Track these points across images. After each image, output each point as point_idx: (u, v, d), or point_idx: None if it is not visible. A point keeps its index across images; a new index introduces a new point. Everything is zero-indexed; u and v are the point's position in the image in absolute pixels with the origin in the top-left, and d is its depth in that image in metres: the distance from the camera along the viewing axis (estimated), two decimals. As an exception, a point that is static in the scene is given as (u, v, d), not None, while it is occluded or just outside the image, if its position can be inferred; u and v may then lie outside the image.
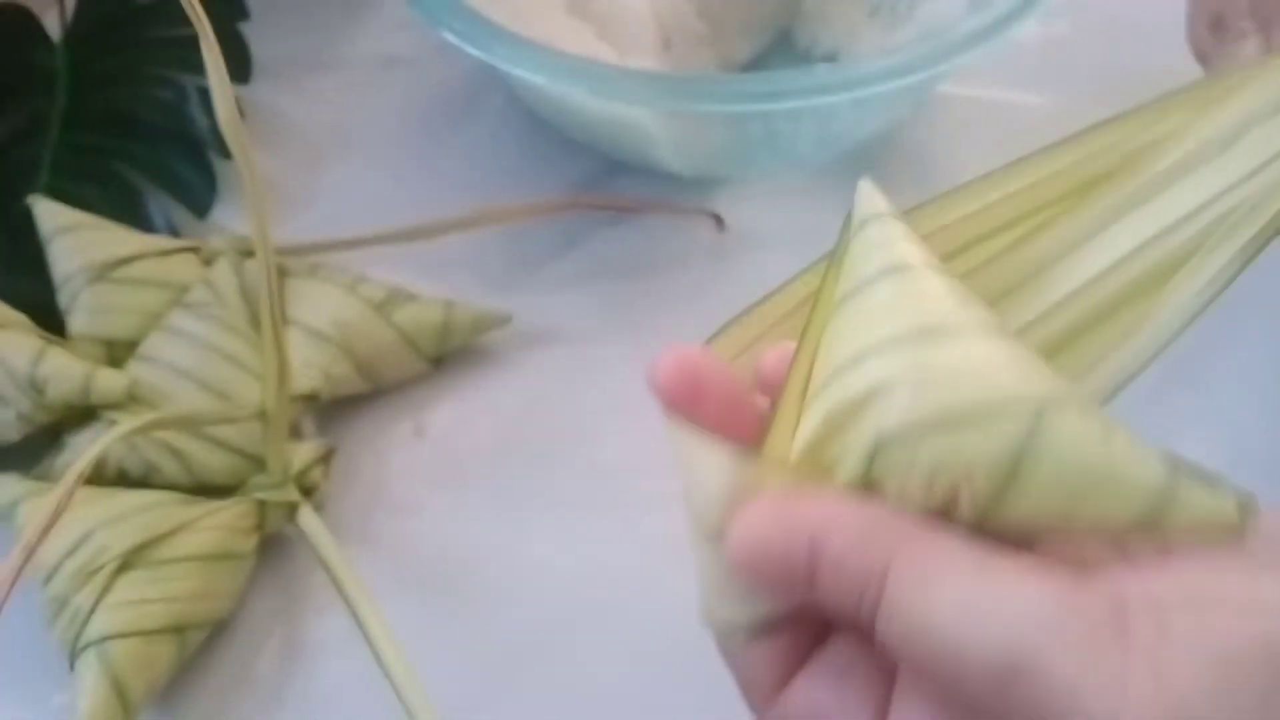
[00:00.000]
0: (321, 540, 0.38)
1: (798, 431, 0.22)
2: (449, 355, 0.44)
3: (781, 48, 0.53)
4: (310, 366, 0.41)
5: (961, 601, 0.20)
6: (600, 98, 0.43)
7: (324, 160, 0.51)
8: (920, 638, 0.20)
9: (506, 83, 0.51)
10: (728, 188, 0.49)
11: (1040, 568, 0.20)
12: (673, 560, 0.38)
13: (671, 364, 0.23)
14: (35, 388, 0.39)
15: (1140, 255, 0.24)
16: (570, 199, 0.47)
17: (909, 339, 0.21)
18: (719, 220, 0.47)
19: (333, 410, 0.42)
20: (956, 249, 0.24)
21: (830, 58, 0.52)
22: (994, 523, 0.21)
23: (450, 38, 0.43)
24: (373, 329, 0.42)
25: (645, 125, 0.46)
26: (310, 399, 0.40)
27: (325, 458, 0.40)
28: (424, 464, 0.42)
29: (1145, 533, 0.21)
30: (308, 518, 0.38)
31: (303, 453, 0.39)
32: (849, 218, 0.23)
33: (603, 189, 0.49)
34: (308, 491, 0.39)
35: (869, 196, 0.23)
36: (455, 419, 0.43)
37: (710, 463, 0.22)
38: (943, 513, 0.21)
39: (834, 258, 0.23)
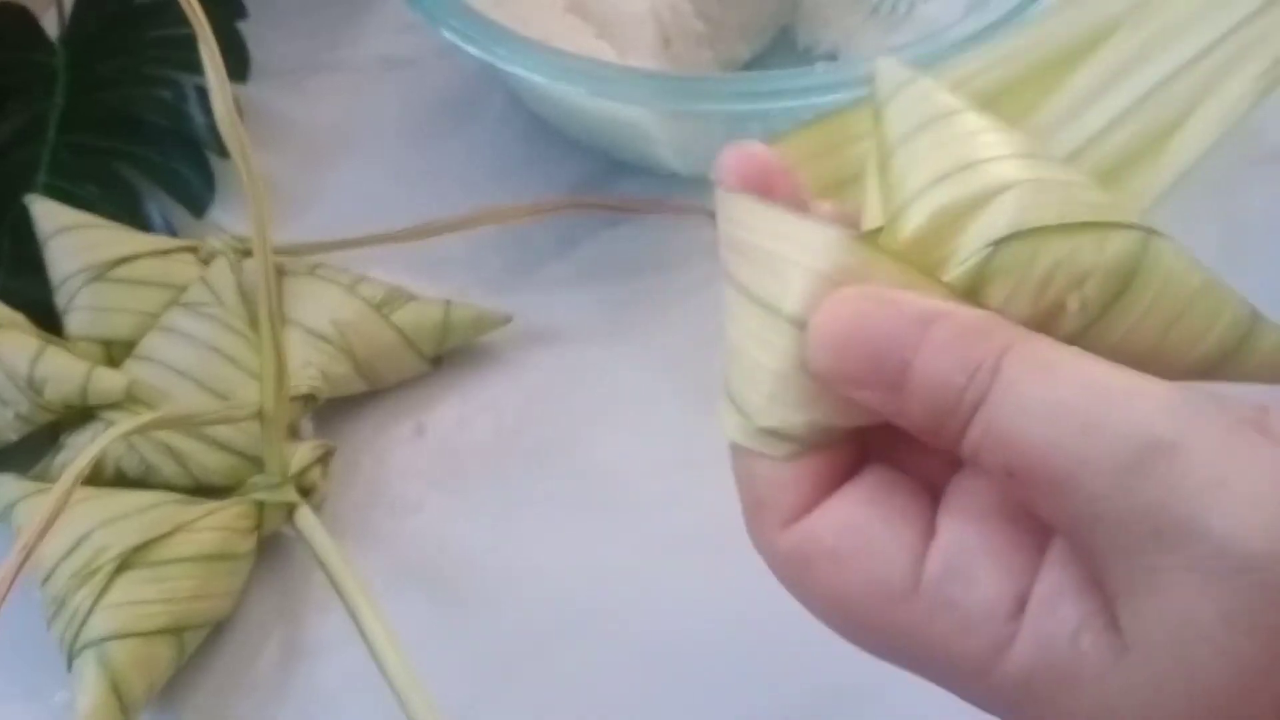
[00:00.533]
0: (319, 541, 0.38)
1: (898, 228, 0.22)
2: (449, 355, 0.44)
3: (781, 47, 0.53)
4: (309, 366, 0.41)
5: (1096, 382, 0.19)
6: (600, 97, 0.43)
7: (324, 160, 0.51)
8: (1044, 419, 0.19)
9: (506, 83, 0.51)
10: (727, 187, 0.49)
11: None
12: (672, 560, 0.38)
13: (741, 155, 0.23)
14: (34, 388, 0.39)
15: (1152, 100, 0.24)
16: (570, 199, 0.47)
17: (1013, 156, 0.22)
18: (719, 220, 0.47)
19: (332, 410, 0.42)
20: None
21: (830, 58, 0.52)
22: (1091, 341, 0.21)
23: (450, 37, 0.43)
24: (372, 329, 0.42)
25: (645, 125, 0.45)
26: (309, 399, 0.40)
27: (324, 458, 0.40)
28: (424, 464, 0.42)
29: (1224, 366, 0.21)
30: (305, 518, 0.38)
31: (301, 453, 0.39)
32: (874, 88, 0.24)
33: (602, 189, 0.49)
34: (306, 491, 0.39)
35: (893, 68, 0.24)
36: (455, 419, 0.43)
37: (807, 240, 0.21)
38: (1044, 326, 0.21)
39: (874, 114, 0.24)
